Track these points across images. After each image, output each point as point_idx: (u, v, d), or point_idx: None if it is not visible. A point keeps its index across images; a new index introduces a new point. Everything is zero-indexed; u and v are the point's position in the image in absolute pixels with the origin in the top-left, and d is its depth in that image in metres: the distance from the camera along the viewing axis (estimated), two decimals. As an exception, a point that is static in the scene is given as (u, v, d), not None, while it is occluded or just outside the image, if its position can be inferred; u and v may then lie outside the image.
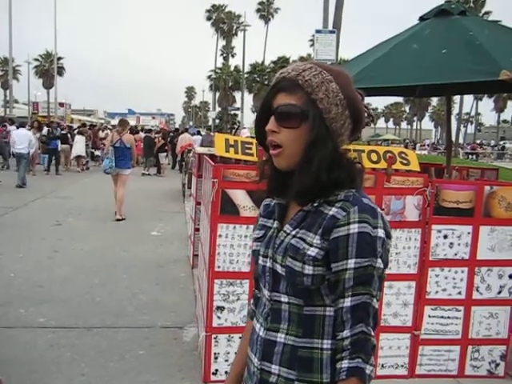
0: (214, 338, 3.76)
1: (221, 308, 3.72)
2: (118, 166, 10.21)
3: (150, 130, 25.03)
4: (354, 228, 1.33)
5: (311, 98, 1.38)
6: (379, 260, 1.36)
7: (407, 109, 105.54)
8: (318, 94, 1.38)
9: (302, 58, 66.01)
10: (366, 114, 1.51)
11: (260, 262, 1.52)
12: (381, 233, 1.36)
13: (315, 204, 1.41)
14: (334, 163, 1.39)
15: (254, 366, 1.49)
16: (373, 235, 1.34)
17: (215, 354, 3.76)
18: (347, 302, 1.35)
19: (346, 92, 1.41)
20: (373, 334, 1.37)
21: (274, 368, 1.43)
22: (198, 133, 25.34)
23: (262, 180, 1.56)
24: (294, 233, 1.43)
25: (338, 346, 1.37)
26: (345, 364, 1.34)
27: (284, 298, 1.44)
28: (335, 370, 1.37)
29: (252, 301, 1.74)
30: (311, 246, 1.38)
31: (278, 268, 1.43)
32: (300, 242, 1.40)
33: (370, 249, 1.34)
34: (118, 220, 10.31)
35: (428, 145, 66.46)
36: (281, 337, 1.43)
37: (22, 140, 15.60)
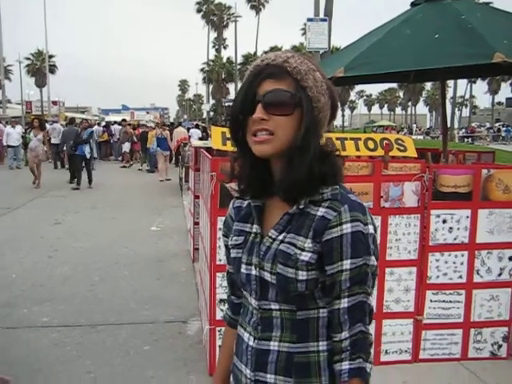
0: (219, 331, 3.78)
1: (224, 301, 3.73)
2: (161, 148, 17.17)
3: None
4: (347, 228, 1.29)
5: (301, 85, 1.31)
6: (373, 257, 1.33)
7: (401, 94, 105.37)
8: (307, 81, 1.31)
9: (294, 47, 65.81)
10: None
11: (243, 270, 1.43)
12: (371, 229, 1.33)
13: (301, 206, 1.34)
14: (322, 155, 1.34)
15: (247, 377, 1.42)
16: (365, 233, 1.31)
17: (220, 346, 3.77)
18: (344, 303, 1.32)
19: (327, 83, 1.36)
20: (370, 331, 1.36)
21: (270, 377, 1.37)
22: (197, 126, 25.37)
23: (232, 177, 1.47)
24: (281, 238, 1.36)
25: (336, 347, 1.33)
26: (345, 365, 1.31)
27: (274, 306, 1.39)
28: (333, 371, 1.34)
29: (227, 306, 1.69)
30: (303, 250, 1.32)
31: (267, 276, 1.37)
32: (290, 248, 1.33)
33: (364, 247, 1.31)
34: (168, 180, 16.52)
35: (419, 129, 67.06)
36: (274, 345, 1.37)
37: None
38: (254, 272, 1.40)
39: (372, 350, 1.35)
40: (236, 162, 1.44)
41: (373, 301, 1.40)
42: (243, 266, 1.43)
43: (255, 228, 1.44)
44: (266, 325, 1.40)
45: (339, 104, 1.49)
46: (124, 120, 24.80)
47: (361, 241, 1.30)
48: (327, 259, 1.31)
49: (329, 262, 1.31)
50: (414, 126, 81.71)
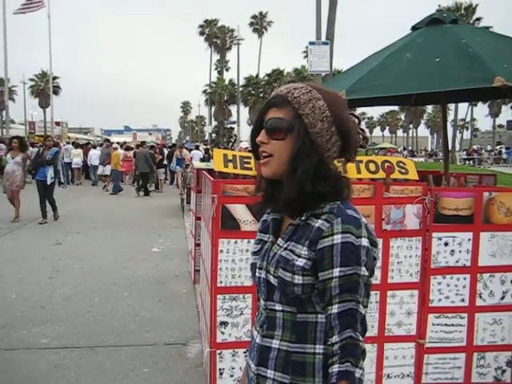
0: (219, 354, 3.74)
1: (224, 323, 3.71)
2: (179, 166, 20.04)
3: (152, 147, 25.08)
4: (338, 238, 1.41)
5: (298, 113, 1.48)
6: (363, 268, 1.43)
7: (402, 117, 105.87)
8: (305, 109, 1.48)
9: (296, 70, 66.38)
10: (360, 136, 1.61)
11: (256, 273, 1.62)
12: (365, 242, 1.44)
13: (303, 218, 1.50)
14: (319, 176, 1.48)
15: (252, 371, 1.57)
16: (356, 244, 1.42)
17: (220, 369, 3.74)
18: (335, 309, 1.43)
19: (334, 110, 1.50)
20: (361, 338, 1.44)
21: (270, 373, 1.51)
22: (197, 147, 25.79)
23: (258, 193, 1.65)
24: (285, 245, 1.52)
25: (329, 351, 1.44)
26: (335, 368, 1.41)
27: (278, 307, 1.53)
28: (327, 373, 1.44)
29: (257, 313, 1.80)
30: (299, 256, 1.47)
31: (271, 279, 1.52)
32: (290, 254, 1.49)
33: (354, 257, 1.41)
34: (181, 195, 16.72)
35: (405, 149, 67.94)
36: (275, 343, 1.52)
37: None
38: (262, 275, 1.58)
39: (369, 361, 1.43)
40: (261, 178, 1.62)
41: (368, 312, 1.47)
42: (257, 271, 1.62)
43: (270, 237, 1.62)
44: (271, 323, 1.55)
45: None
46: (118, 143, 25.52)
47: (351, 251, 1.41)
48: (319, 266, 1.44)
49: (321, 269, 1.44)
50: (410, 147, 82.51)
